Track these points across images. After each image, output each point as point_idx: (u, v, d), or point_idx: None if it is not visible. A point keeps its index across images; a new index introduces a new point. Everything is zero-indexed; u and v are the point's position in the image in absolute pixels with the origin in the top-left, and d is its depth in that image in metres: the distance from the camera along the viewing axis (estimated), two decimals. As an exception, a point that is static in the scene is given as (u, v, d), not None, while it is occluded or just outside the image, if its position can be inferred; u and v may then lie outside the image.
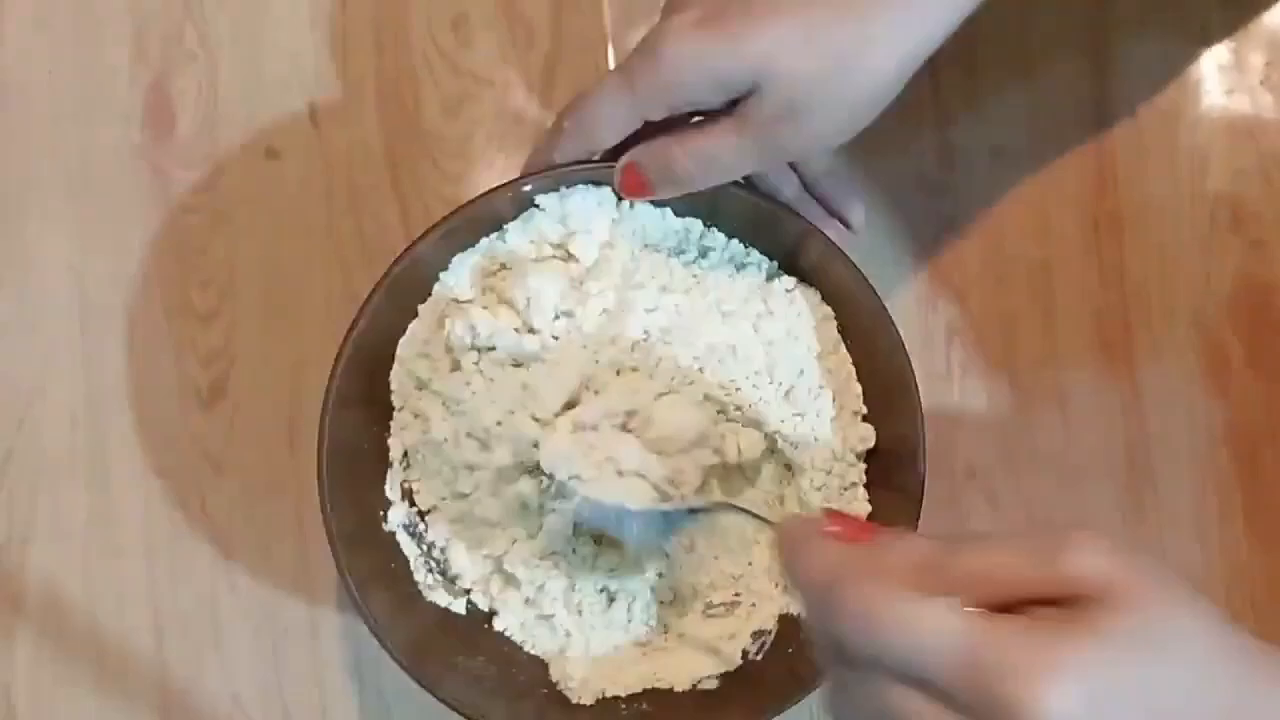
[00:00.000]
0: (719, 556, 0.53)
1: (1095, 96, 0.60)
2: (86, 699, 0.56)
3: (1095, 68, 0.60)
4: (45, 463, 0.58)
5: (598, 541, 0.53)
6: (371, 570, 0.51)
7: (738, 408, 0.52)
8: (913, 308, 0.58)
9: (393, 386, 0.53)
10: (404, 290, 0.51)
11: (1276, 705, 0.34)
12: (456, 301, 0.52)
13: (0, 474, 0.58)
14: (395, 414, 0.53)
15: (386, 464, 0.53)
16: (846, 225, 0.53)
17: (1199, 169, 0.59)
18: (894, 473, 0.51)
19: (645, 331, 0.52)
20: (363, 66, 0.60)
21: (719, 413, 0.52)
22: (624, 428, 0.50)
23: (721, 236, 0.53)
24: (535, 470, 0.50)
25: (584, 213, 0.51)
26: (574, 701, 0.51)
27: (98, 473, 0.58)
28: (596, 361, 0.51)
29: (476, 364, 0.51)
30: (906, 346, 0.50)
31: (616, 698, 0.52)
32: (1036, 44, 0.60)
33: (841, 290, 0.52)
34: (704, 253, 0.53)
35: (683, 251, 0.53)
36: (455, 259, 0.52)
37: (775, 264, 0.53)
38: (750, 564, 0.53)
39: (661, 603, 0.53)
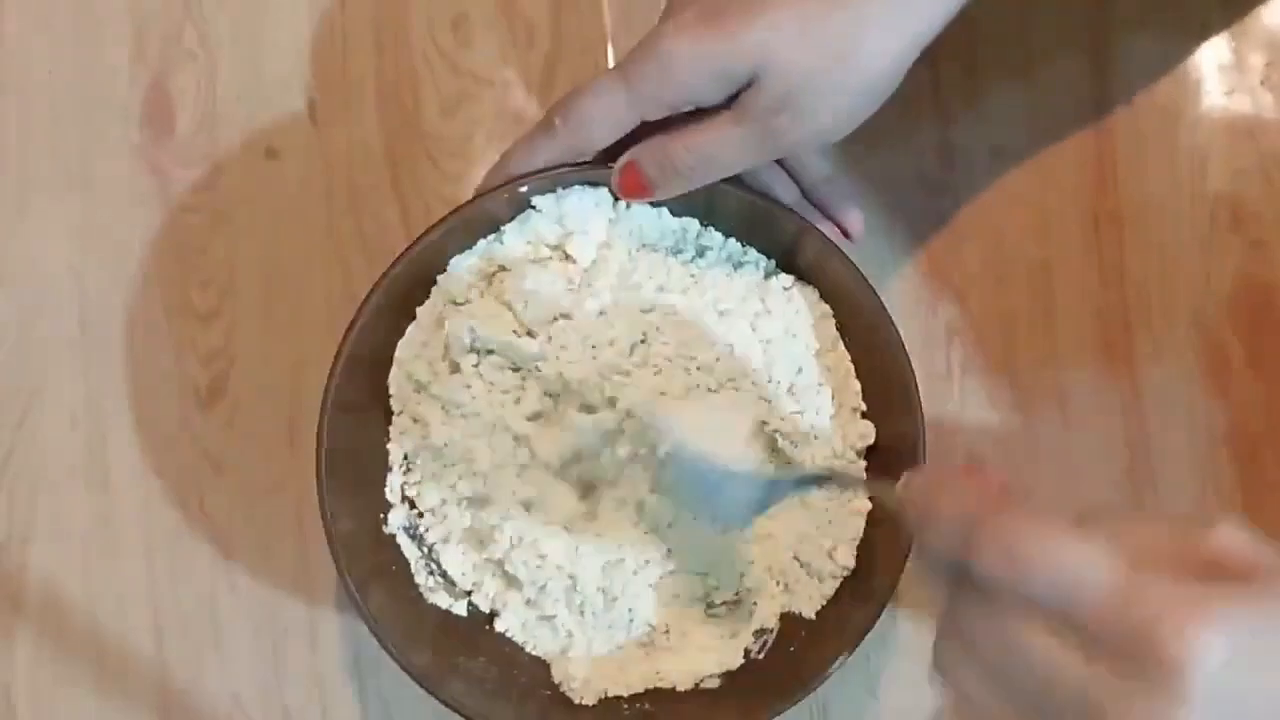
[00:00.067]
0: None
1: (1095, 96, 0.60)
2: (86, 699, 0.56)
3: (1095, 67, 0.60)
4: (45, 463, 0.58)
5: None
6: (372, 572, 0.51)
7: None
8: (913, 308, 0.58)
9: (391, 389, 0.53)
10: (402, 292, 0.51)
11: None
12: (455, 303, 0.52)
13: (0, 474, 0.58)
14: (395, 417, 0.53)
15: (386, 466, 0.53)
16: (845, 233, 0.53)
17: (1199, 169, 0.59)
18: (894, 470, 0.51)
19: (643, 333, 0.52)
20: (362, 66, 0.60)
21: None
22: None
23: (718, 236, 0.53)
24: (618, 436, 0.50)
25: (581, 213, 0.51)
26: (576, 702, 0.51)
27: (98, 473, 0.58)
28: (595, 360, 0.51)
29: (476, 366, 0.51)
30: (906, 345, 0.50)
31: (619, 698, 0.52)
32: (1036, 44, 0.60)
33: (839, 288, 0.52)
34: (701, 252, 0.53)
35: (680, 251, 0.53)
36: (453, 260, 0.52)
37: (773, 262, 0.53)
38: (752, 562, 0.53)
39: (663, 603, 0.53)
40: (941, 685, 0.37)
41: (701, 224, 0.53)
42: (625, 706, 0.52)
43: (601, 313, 0.51)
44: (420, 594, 0.52)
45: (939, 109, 0.59)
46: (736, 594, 0.53)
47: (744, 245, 0.53)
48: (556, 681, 0.52)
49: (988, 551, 0.34)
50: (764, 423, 0.52)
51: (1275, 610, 0.32)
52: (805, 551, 0.52)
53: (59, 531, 0.57)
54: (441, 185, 0.59)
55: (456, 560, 0.53)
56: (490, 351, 0.51)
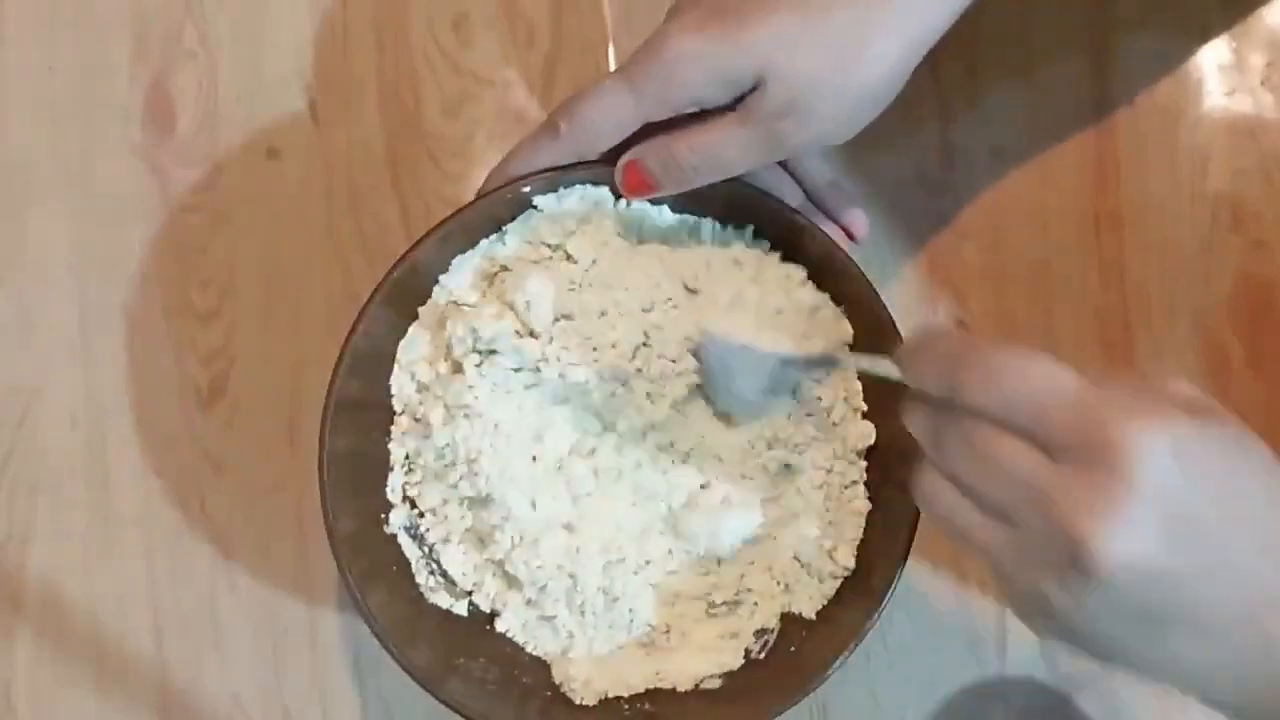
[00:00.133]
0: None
1: (1095, 96, 0.60)
2: (86, 699, 0.56)
3: (1095, 67, 0.60)
4: (45, 463, 0.58)
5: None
6: (373, 572, 0.51)
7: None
8: (913, 308, 0.58)
9: (393, 390, 0.53)
10: (403, 294, 0.51)
11: None
12: (456, 304, 0.52)
13: (0, 474, 0.58)
14: (396, 417, 0.53)
15: (387, 466, 0.53)
16: (850, 235, 0.53)
17: (1199, 169, 0.59)
18: (895, 470, 0.51)
19: (645, 333, 0.52)
20: (363, 66, 0.60)
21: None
22: None
23: (722, 232, 0.53)
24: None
25: (581, 213, 0.51)
26: (577, 703, 0.51)
27: (98, 473, 0.58)
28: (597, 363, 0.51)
29: (478, 366, 0.51)
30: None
31: (619, 698, 0.52)
32: (1037, 44, 0.60)
33: (840, 287, 0.52)
34: (703, 247, 0.53)
35: (682, 248, 0.53)
36: (455, 261, 0.52)
37: (778, 257, 0.53)
38: (752, 563, 0.53)
39: (664, 603, 0.53)
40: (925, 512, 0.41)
41: (701, 220, 0.53)
42: (626, 707, 0.52)
43: (603, 313, 0.51)
44: (421, 594, 0.52)
45: (939, 109, 0.59)
46: (736, 594, 0.53)
47: (746, 242, 0.53)
48: (557, 682, 0.52)
49: (970, 374, 0.38)
50: (766, 441, 0.52)
51: (1217, 432, 0.37)
52: (805, 552, 0.52)
53: (59, 531, 0.57)
54: (442, 185, 0.59)
55: (457, 560, 0.53)
56: (492, 351, 0.51)
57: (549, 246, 0.52)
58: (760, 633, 0.53)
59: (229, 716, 0.56)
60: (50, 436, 0.58)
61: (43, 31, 0.60)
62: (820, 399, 0.52)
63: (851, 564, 0.52)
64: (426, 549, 0.53)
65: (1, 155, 0.60)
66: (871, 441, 0.52)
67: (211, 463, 0.58)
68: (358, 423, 0.51)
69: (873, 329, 0.51)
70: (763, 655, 0.52)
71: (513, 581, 0.52)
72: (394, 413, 0.53)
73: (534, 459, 0.51)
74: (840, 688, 0.55)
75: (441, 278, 0.52)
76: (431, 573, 0.53)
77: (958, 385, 0.38)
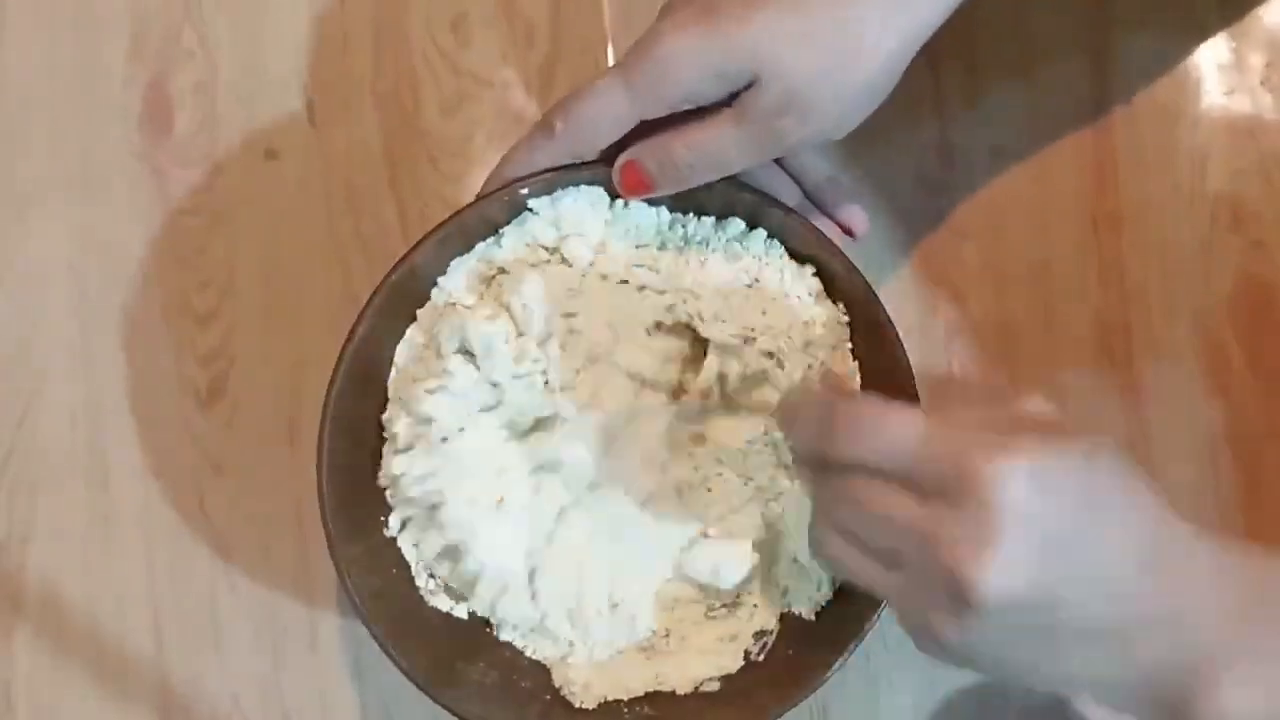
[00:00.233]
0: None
1: (1095, 96, 0.60)
2: (86, 699, 0.56)
3: (1095, 67, 0.60)
4: (45, 462, 0.58)
5: None
6: (373, 576, 0.51)
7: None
8: (913, 308, 0.58)
9: (390, 394, 0.53)
10: (402, 297, 0.51)
11: (1192, 552, 0.41)
12: (453, 306, 0.52)
13: (0, 474, 0.58)
14: (395, 420, 0.53)
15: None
16: (849, 232, 0.53)
17: (1199, 169, 0.59)
18: None
19: (646, 332, 0.52)
20: (362, 66, 0.60)
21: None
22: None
23: (718, 230, 0.53)
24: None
25: (576, 215, 0.51)
26: (577, 706, 0.51)
27: (97, 473, 0.58)
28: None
29: (474, 359, 0.51)
30: (905, 346, 0.50)
31: (619, 701, 0.52)
32: (1036, 43, 0.60)
33: (838, 286, 0.52)
34: (699, 248, 0.53)
35: (680, 248, 0.53)
36: (453, 264, 0.52)
37: (779, 253, 0.53)
38: (753, 564, 0.53)
39: (663, 607, 0.53)
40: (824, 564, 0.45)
41: (699, 220, 0.53)
42: (626, 710, 0.52)
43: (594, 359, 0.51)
44: (421, 597, 0.52)
45: (939, 109, 0.59)
46: (736, 597, 0.53)
47: (743, 242, 0.53)
48: (557, 686, 0.52)
49: (836, 432, 0.41)
50: (765, 430, 0.52)
51: (1066, 450, 0.39)
52: (804, 553, 0.52)
53: (59, 531, 0.57)
54: (441, 185, 0.59)
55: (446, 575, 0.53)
56: (488, 354, 0.51)
57: (546, 249, 0.52)
58: (759, 635, 0.53)
59: (229, 716, 0.56)
60: (50, 436, 0.58)
61: (42, 31, 0.60)
62: None
63: None
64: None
65: (1, 155, 0.60)
66: None
67: (211, 463, 0.58)
68: (356, 426, 0.51)
69: (871, 329, 0.51)
70: (762, 657, 0.52)
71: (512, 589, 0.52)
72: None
73: (500, 502, 0.51)
74: (840, 688, 0.55)
75: (440, 280, 0.52)
76: (431, 575, 0.53)
77: (826, 445, 0.41)
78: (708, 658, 0.52)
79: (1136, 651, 0.40)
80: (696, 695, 0.52)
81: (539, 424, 0.52)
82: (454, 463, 0.51)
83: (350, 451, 0.51)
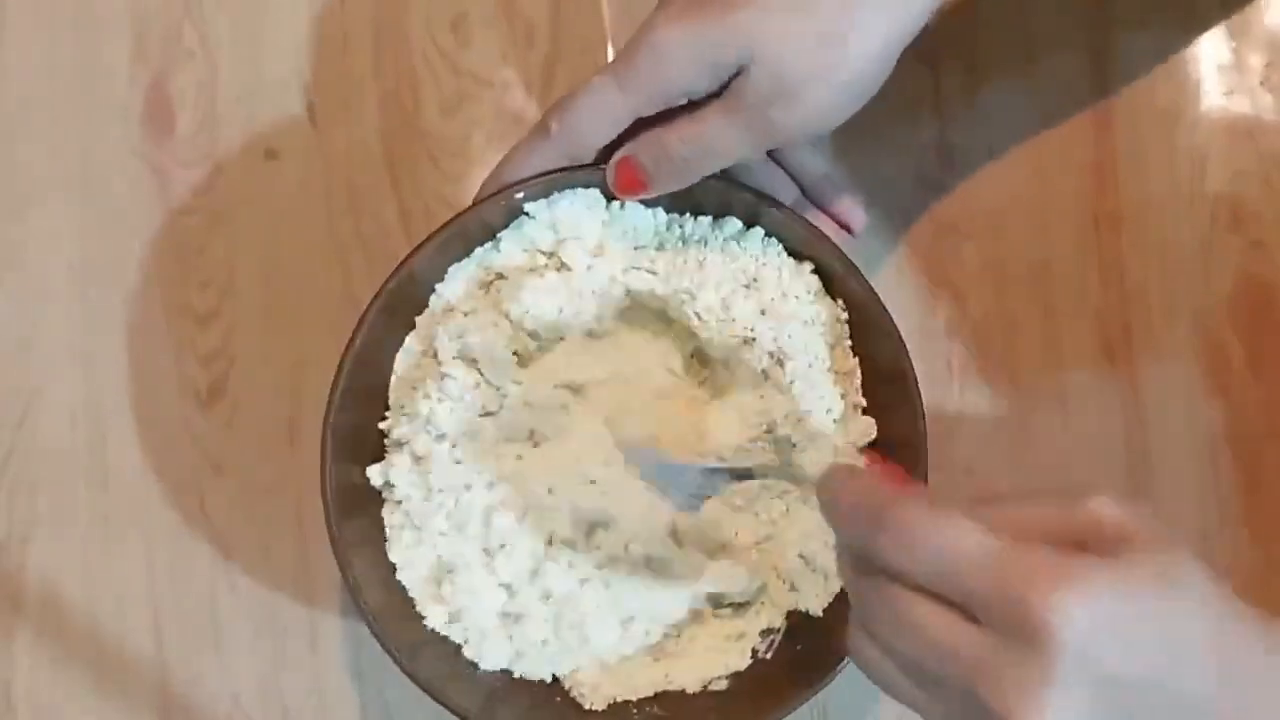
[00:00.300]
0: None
1: (1095, 96, 0.60)
2: (86, 699, 0.56)
3: (1095, 67, 0.60)
4: (45, 462, 0.58)
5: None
6: (377, 580, 0.50)
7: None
8: (913, 308, 0.58)
9: (390, 400, 0.52)
10: (400, 304, 0.51)
11: (1273, 672, 0.37)
12: (451, 313, 0.52)
13: (0, 474, 0.58)
14: (394, 428, 0.52)
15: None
16: (847, 228, 0.53)
17: (1199, 169, 0.59)
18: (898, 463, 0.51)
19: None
20: (362, 66, 0.60)
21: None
22: None
23: (715, 230, 0.53)
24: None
25: (573, 218, 0.51)
26: (586, 708, 0.51)
27: (98, 473, 0.58)
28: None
29: (476, 366, 0.51)
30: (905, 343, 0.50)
31: (628, 702, 0.52)
32: (1037, 43, 0.60)
33: (837, 283, 0.52)
34: (697, 248, 0.53)
35: (678, 249, 0.53)
36: (451, 269, 0.52)
37: (778, 250, 0.53)
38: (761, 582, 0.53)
39: (670, 608, 0.53)
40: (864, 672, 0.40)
41: (696, 220, 0.53)
42: (635, 711, 0.51)
43: (598, 319, 0.51)
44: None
45: (939, 109, 0.59)
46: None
47: (741, 240, 0.53)
48: (566, 688, 0.52)
49: (884, 538, 0.37)
50: (767, 429, 0.52)
51: (1142, 577, 0.35)
52: (811, 549, 0.52)
53: (59, 531, 0.57)
54: (441, 185, 0.59)
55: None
56: (474, 360, 0.51)
57: (543, 253, 0.52)
58: (767, 632, 0.53)
59: (229, 716, 0.56)
60: (50, 436, 0.58)
61: (43, 31, 0.60)
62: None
63: None
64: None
65: (1, 155, 0.60)
66: (873, 436, 0.52)
67: (211, 463, 0.58)
68: (358, 438, 0.51)
69: (870, 326, 0.51)
70: (769, 655, 0.52)
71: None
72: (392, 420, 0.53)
73: (487, 553, 0.51)
74: (841, 688, 0.55)
75: (438, 286, 0.52)
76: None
77: (873, 546, 0.38)
78: (716, 657, 0.52)
79: None
80: (706, 694, 0.52)
81: (538, 430, 0.52)
82: (449, 472, 0.51)
83: (353, 459, 0.51)
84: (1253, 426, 0.58)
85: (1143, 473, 0.58)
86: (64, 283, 0.59)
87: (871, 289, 0.50)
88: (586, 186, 0.51)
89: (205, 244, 0.59)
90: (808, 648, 0.51)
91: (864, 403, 0.53)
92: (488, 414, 0.51)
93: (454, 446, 0.51)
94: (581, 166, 0.49)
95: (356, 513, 0.50)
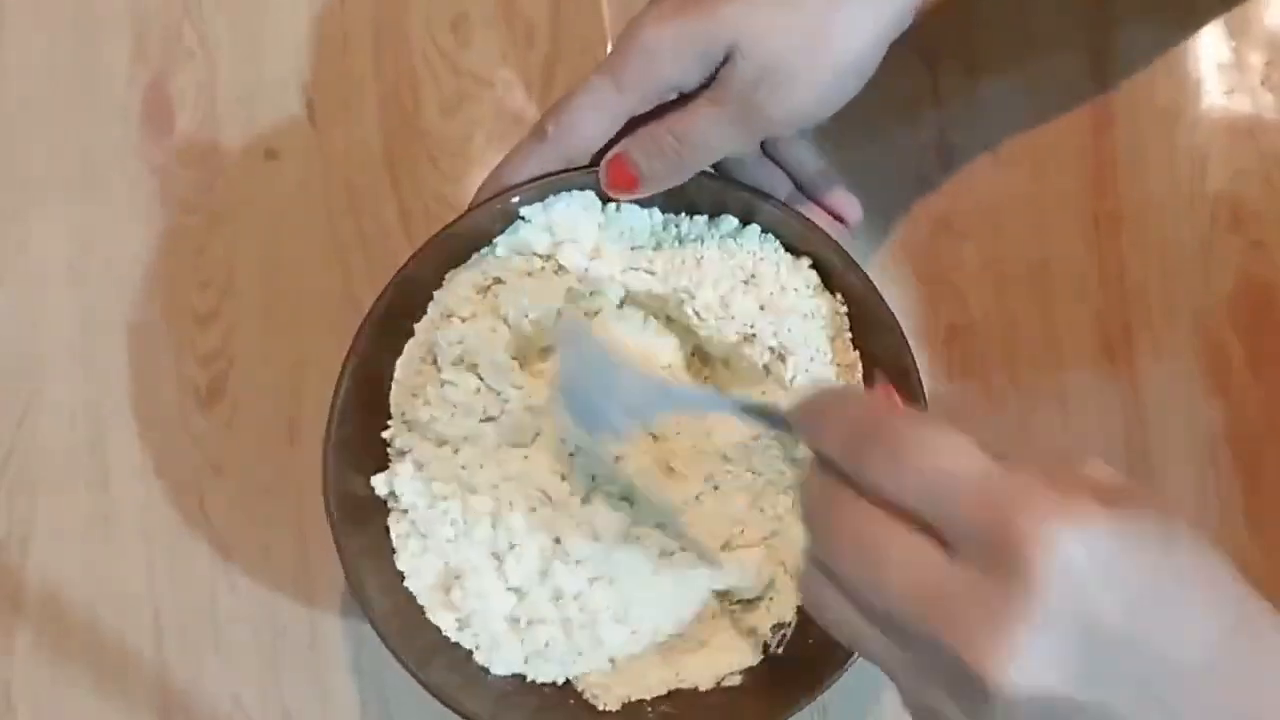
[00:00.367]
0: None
1: (1095, 96, 0.60)
2: (86, 699, 0.56)
3: (1095, 67, 0.60)
4: (45, 462, 0.58)
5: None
6: (386, 590, 0.50)
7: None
8: (913, 308, 0.58)
9: (392, 408, 0.52)
10: (398, 313, 0.51)
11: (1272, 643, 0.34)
12: (450, 319, 0.52)
13: (0, 474, 0.58)
14: (397, 437, 0.52)
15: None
16: (843, 220, 0.53)
17: (1199, 169, 0.59)
18: None
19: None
20: (362, 66, 0.60)
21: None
22: None
23: (710, 228, 0.53)
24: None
25: (569, 221, 0.51)
26: (600, 709, 0.51)
27: (98, 473, 0.58)
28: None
29: (476, 372, 0.51)
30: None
31: (642, 701, 0.51)
32: (1036, 43, 0.60)
33: (837, 280, 0.52)
34: (694, 246, 0.53)
35: (675, 248, 0.53)
36: (447, 276, 0.52)
37: (776, 246, 0.53)
38: (771, 575, 0.53)
39: (680, 605, 0.53)
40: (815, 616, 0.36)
41: (692, 219, 0.53)
42: (649, 710, 0.51)
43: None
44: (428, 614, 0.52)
45: (938, 108, 0.59)
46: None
47: (738, 237, 0.53)
48: (578, 690, 0.52)
49: (875, 452, 0.33)
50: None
51: (1139, 528, 0.32)
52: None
53: (59, 531, 0.57)
54: (441, 185, 0.59)
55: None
56: (474, 365, 0.51)
57: (540, 257, 0.52)
58: (777, 627, 0.52)
59: (229, 716, 0.56)
60: (50, 436, 0.58)
61: (43, 32, 0.60)
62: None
63: None
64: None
65: (1, 155, 0.60)
66: None
67: (211, 463, 0.58)
68: (361, 448, 0.51)
69: (870, 320, 0.51)
70: (781, 649, 0.52)
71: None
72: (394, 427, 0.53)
73: (496, 557, 0.51)
74: (841, 687, 0.55)
75: (436, 293, 0.52)
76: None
77: (860, 460, 0.34)
78: (727, 653, 0.52)
79: None
80: (719, 690, 0.52)
81: (538, 434, 0.52)
82: (453, 478, 0.51)
83: (356, 471, 0.50)
84: (1253, 426, 0.58)
85: (1143, 473, 0.58)
86: (64, 283, 0.59)
87: (870, 282, 0.50)
88: (582, 189, 0.51)
89: (205, 244, 0.59)
90: (819, 641, 0.51)
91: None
92: (489, 419, 0.51)
93: (457, 453, 0.51)
94: (577, 169, 0.49)
95: (362, 522, 0.50)
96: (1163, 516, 0.32)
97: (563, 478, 0.51)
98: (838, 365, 0.52)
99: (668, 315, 0.53)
